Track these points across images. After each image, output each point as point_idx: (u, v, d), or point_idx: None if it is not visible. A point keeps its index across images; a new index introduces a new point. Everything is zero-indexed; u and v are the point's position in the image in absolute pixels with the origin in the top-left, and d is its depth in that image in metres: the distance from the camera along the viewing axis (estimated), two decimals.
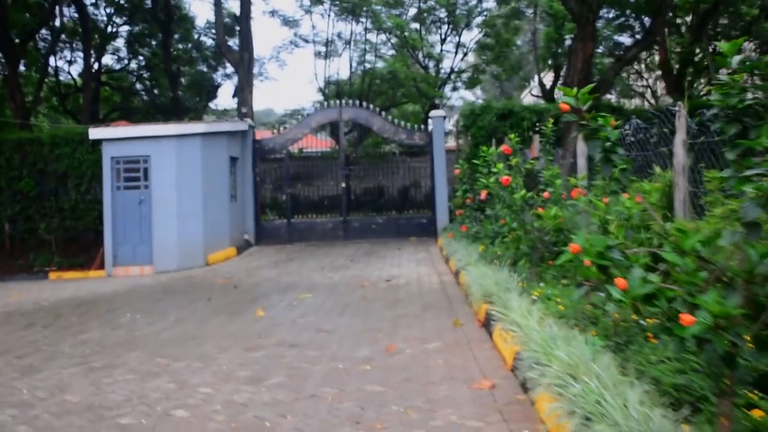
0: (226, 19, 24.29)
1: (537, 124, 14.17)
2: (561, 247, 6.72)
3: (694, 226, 4.40)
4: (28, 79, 22.61)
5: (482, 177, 8.53)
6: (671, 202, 5.24)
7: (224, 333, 6.61)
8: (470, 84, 29.05)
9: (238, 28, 19.95)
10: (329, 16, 25.71)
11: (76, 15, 22.31)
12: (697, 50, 19.45)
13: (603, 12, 19.78)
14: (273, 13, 25.97)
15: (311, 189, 17.36)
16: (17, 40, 18.56)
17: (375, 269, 11.12)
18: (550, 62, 25.41)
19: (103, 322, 7.58)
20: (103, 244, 12.87)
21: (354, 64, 26.66)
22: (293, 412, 4.13)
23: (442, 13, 26.16)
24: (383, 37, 26.66)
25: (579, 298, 4.94)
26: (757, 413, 2.91)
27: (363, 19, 25.39)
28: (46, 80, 26.21)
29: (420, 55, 27.67)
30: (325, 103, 17.40)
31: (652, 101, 24.64)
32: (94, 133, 12.75)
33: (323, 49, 26.19)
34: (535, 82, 28.71)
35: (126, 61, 28.36)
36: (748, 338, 2.65)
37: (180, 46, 27.89)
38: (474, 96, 38.62)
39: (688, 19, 21.24)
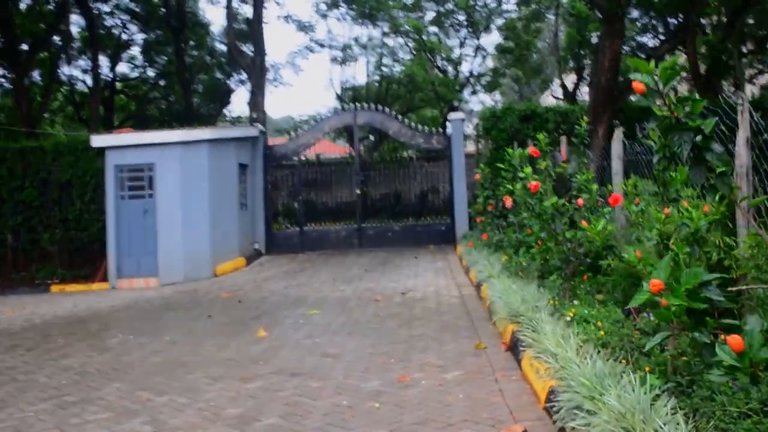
0: (243, 26, 23.86)
1: (562, 125, 13.39)
2: (598, 261, 5.96)
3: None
4: (41, 88, 22.23)
5: (506, 182, 7.79)
6: (731, 209, 4.47)
7: (219, 358, 5.94)
8: (490, 87, 28.25)
9: (247, 28, 19.46)
10: (345, 20, 25.18)
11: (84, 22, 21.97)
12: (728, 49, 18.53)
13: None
14: (287, 18, 25.53)
15: (325, 196, 16.73)
16: (25, 48, 18.22)
17: (390, 280, 10.41)
18: (571, 64, 24.61)
19: (91, 344, 6.95)
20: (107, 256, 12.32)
21: (371, 68, 26.06)
22: None
23: (461, 16, 25.44)
24: (401, 40, 26.04)
25: (624, 321, 4.18)
26: None
27: (380, 23, 24.79)
28: (62, 89, 26.12)
29: (438, 59, 26.99)
30: (340, 107, 16.78)
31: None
32: (97, 140, 12.22)
33: (340, 54, 25.64)
34: (556, 84, 27.86)
35: (142, 69, 28.08)
36: None
37: (195, 53, 27.54)
38: (493, 101, 37.85)
39: (715, 18, 20.38)
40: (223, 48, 27.37)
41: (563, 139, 9.41)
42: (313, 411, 4.27)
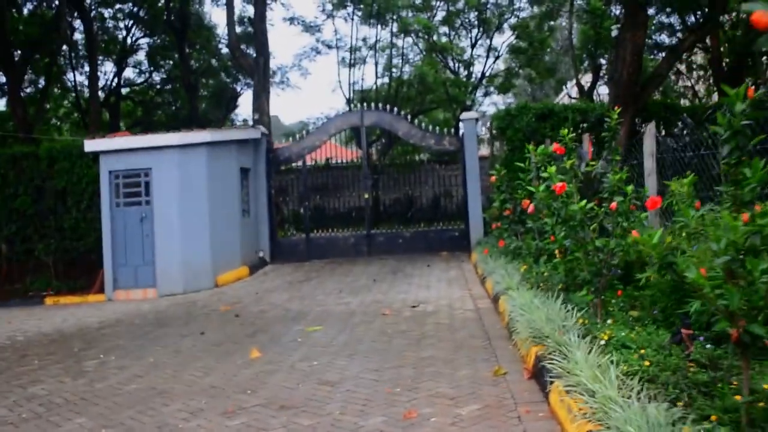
0: (249, 28, 23.27)
1: (582, 124, 12.62)
2: (631, 272, 5.22)
3: None
4: (43, 93, 21.76)
5: (524, 183, 7.04)
6: None
7: (203, 385, 5.26)
8: (503, 88, 27.46)
9: (252, 30, 18.87)
10: (353, 20, 24.52)
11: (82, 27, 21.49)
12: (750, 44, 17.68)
13: None
14: (292, 20, 24.80)
15: (332, 201, 16.07)
16: (18, 52, 17.75)
17: (400, 291, 9.70)
18: (587, 63, 23.81)
19: (67, 367, 6.30)
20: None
21: (380, 70, 25.39)
22: None
23: (472, 15, 24.71)
24: (410, 40, 25.34)
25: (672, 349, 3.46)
26: None
27: (389, 23, 24.11)
28: (69, 96, 25.69)
29: (449, 60, 26.27)
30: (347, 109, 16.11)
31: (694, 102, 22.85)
32: (90, 144, 11.63)
33: (348, 55, 24.97)
34: (572, 83, 27.04)
35: (147, 74, 27.65)
36: None
37: (199, 56, 27.05)
38: (505, 103, 37.07)
39: (734, 14, 19.56)
40: (228, 51, 26.87)
41: (586, 136, 8.64)
42: None
